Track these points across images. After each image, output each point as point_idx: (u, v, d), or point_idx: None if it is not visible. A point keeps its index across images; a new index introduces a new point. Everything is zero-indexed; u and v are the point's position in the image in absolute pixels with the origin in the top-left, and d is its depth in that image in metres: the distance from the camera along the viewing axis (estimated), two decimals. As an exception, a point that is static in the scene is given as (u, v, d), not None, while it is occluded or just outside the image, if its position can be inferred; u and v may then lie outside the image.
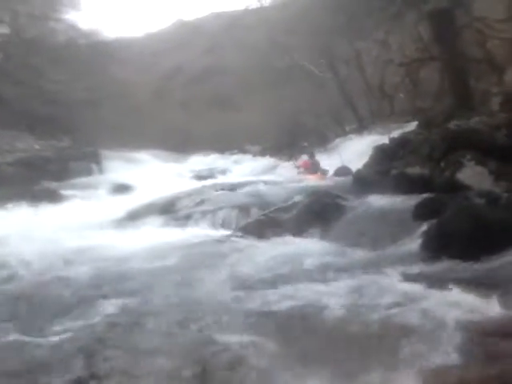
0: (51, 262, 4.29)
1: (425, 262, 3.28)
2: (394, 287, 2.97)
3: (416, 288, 2.83)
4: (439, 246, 3.32)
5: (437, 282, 2.85)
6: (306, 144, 16.84)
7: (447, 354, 2.13)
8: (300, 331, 2.58)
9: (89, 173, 14.12)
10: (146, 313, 2.97)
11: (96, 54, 20.98)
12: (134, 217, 6.73)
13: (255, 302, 2.99)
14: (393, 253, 3.72)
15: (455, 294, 2.60)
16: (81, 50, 20.62)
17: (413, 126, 12.09)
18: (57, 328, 2.80)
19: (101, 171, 14.77)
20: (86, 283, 3.68)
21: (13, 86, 17.38)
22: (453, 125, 5.92)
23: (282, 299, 2.99)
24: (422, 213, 4.48)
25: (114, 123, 21.03)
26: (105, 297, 3.29)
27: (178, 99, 28.22)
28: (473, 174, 4.96)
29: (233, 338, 2.44)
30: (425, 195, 5.45)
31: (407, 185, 6.33)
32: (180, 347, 2.45)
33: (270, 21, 21.80)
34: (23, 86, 17.50)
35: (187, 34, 32.47)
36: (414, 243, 3.75)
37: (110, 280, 3.73)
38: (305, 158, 12.16)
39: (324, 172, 10.79)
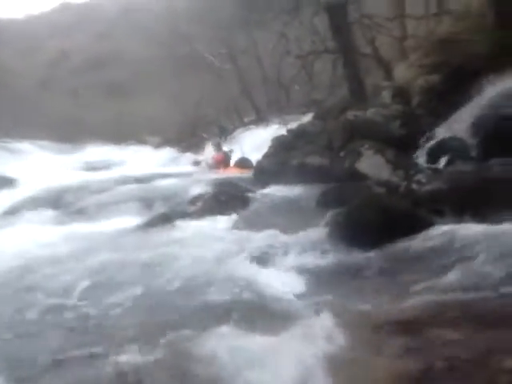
0: None
1: (332, 252, 3.28)
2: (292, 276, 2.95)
3: (316, 278, 2.81)
4: (346, 235, 3.34)
5: (344, 271, 2.86)
6: (205, 135, 16.66)
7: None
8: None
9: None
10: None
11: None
12: (15, 212, 6.06)
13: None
14: (298, 241, 3.69)
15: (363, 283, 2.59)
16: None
17: (309, 117, 12.47)
18: None
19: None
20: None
21: None
22: (351, 115, 6.12)
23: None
24: (325, 201, 4.54)
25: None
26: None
27: (66, 87, 26.44)
28: (371, 164, 5.14)
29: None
30: (326, 184, 5.59)
31: (307, 174, 6.47)
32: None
33: (172, 8, 21.23)
34: None
35: (74, 18, 30.54)
36: (319, 232, 3.75)
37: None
38: (210, 150, 11.55)
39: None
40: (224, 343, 1.98)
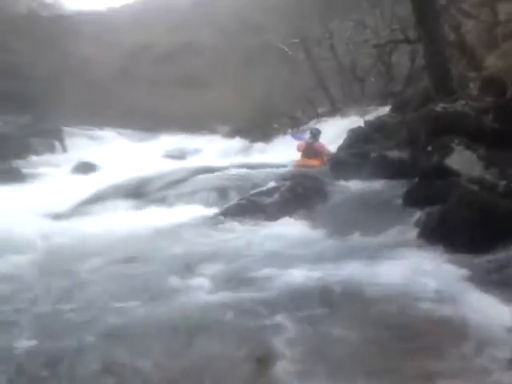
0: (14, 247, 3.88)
1: (425, 254, 3.06)
2: (393, 280, 2.74)
3: (421, 284, 2.60)
4: (440, 236, 3.11)
5: (442, 276, 2.64)
6: (276, 126, 16.57)
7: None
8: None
9: (51, 150, 13.51)
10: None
11: (58, 26, 20.08)
12: (102, 199, 6.30)
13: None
14: (386, 243, 3.49)
15: (468, 292, 2.38)
16: (42, 21, 19.61)
17: (386, 109, 12.01)
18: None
19: (64, 149, 14.13)
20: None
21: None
22: (439, 107, 5.75)
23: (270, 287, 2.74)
24: (412, 199, 4.29)
25: (76, 100, 20.21)
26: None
27: (144, 77, 27.33)
28: (462, 160, 4.79)
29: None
30: (408, 180, 5.30)
31: (387, 169, 6.19)
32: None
33: (244, -1, 21.31)
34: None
35: (153, 11, 31.41)
36: (408, 232, 3.54)
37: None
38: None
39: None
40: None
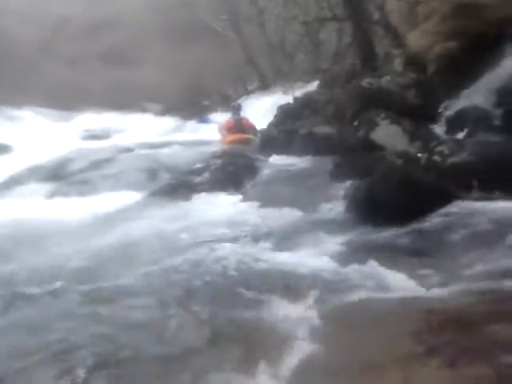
0: None
1: (352, 228, 3.07)
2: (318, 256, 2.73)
3: (341, 257, 2.61)
4: (367, 210, 3.14)
5: (370, 250, 2.65)
6: (206, 103, 16.31)
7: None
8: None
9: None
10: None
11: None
12: (17, 182, 5.86)
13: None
14: (314, 216, 3.49)
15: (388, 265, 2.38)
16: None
17: (314, 85, 12.14)
18: None
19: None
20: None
21: None
22: (365, 83, 5.83)
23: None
24: (340, 173, 4.32)
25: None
26: None
27: (67, 53, 25.77)
28: (387, 134, 4.91)
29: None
30: (336, 155, 5.36)
31: (315, 145, 6.24)
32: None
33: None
34: None
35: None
36: (336, 206, 3.55)
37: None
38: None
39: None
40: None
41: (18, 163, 6.61)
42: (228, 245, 2.90)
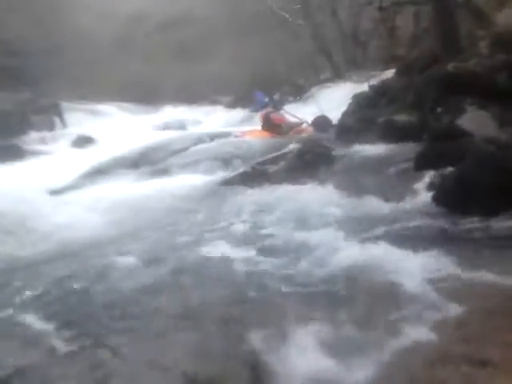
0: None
1: (442, 218, 2.92)
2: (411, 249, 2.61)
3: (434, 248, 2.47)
4: (457, 200, 2.96)
5: (465, 241, 2.51)
6: (277, 94, 16.25)
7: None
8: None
9: (51, 126, 13.29)
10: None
11: (53, 1, 19.57)
12: (103, 171, 6.17)
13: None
14: (399, 206, 3.36)
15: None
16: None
17: (390, 73, 11.72)
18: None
19: (63, 124, 13.93)
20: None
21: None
22: (450, 67, 5.52)
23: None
24: (424, 162, 4.13)
25: (74, 74, 19.83)
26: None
27: (140, 49, 26.77)
28: (475, 120, 4.62)
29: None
30: (417, 143, 5.15)
31: (395, 133, 6.05)
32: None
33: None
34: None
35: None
36: (422, 197, 3.40)
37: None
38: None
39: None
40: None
41: (103, 154, 6.96)
42: (317, 233, 2.85)
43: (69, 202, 4.55)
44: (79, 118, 14.30)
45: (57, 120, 14.05)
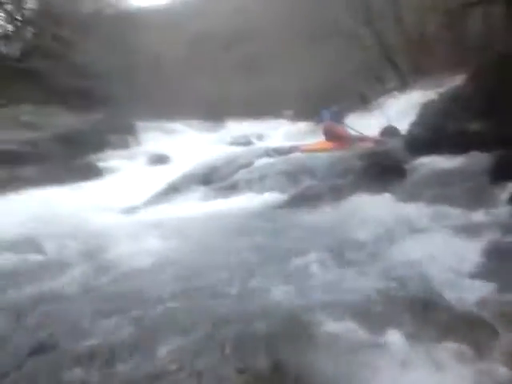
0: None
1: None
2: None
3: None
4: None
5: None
6: (335, 107, 16.06)
7: None
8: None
9: (126, 145, 13.97)
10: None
11: (124, 23, 20.72)
12: (175, 189, 6.41)
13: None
14: (478, 219, 3.24)
15: None
16: (109, 19, 20.32)
17: (460, 79, 11.29)
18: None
19: (138, 143, 14.61)
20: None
21: (43, 60, 17.25)
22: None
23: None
24: (502, 173, 3.96)
25: (146, 93, 20.81)
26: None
27: (207, 66, 27.64)
28: (557, 127, 4.35)
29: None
30: (493, 154, 4.93)
31: (468, 142, 5.82)
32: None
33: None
34: (54, 59, 17.34)
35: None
36: (502, 210, 3.26)
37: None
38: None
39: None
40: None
41: (175, 171, 7.24)
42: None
43: (141, 222, 4.69)
44: (152, 136, 14.94)
45: (131, 139, 14.75)
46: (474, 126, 6.25)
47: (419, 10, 16.20)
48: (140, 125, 15.61)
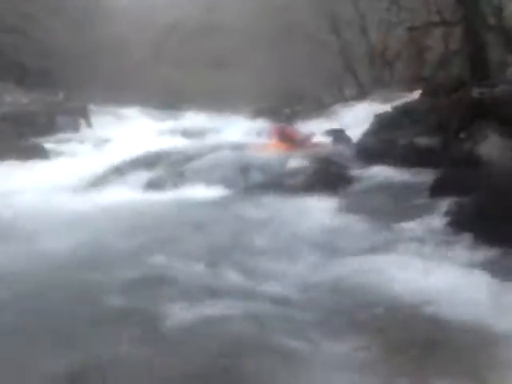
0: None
1: (458, 245, 2.85)
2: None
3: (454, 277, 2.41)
4: (473, 228, 2.89)
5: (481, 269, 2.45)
6: (300, 108, 16.21)
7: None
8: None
9: (76, 128, 13.52)
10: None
11: (93, 7, 20.12)
12: (119, 174, 6.19)
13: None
14: (414, 230, 3.29)
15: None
16: (76, 1, 19.67)
17: (416, 94, 11.60)
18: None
19: (89, 127, 14.17)
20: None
21: (4, 34, 16.44)
22: (476, 92, 5.41)
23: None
24: (441, 188, 4.05)
25: (106, 79, 20.28)
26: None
27: (172, 57, 27.25)
28: (496, 148, 4.51)
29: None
30: (438, 169, 5.05)
31: (416, 156, 5.97)
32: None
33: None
34: (15, 34, 16.56)
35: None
36: (437, 222, 3.32)
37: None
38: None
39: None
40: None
41: (122, 157, 7.01)
42: (314, 255, 2.81)
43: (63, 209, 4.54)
44: (104, 121, 14.53)
45: (83, 122, 14.30)
46: (423, 142, 6.40)
47: (384, 24, 16.55)
48: (95, 109, 15.15)
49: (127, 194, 5.03)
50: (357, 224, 3.49)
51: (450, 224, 3.14)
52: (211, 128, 14.44)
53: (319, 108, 15.08)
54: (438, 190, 4.10)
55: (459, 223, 3.05)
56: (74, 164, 7.90)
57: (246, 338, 2.00)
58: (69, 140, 11.23)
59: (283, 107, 16.29)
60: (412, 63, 16.33)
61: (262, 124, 15.37)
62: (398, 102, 10.21)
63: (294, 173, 5.37)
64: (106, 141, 10.58)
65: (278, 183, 5.06)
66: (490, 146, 4.54)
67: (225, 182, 5.53)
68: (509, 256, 2.62)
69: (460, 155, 4.82)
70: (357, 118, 11.64)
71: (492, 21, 10.62)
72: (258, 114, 17.64)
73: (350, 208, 4.01)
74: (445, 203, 3.72)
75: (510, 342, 1.84)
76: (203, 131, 13.70)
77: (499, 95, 5.07)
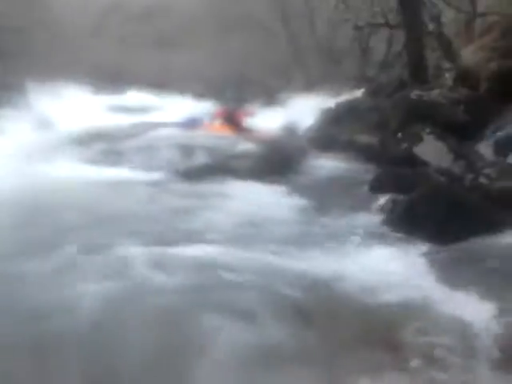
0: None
1: (390, 240, 3.02)
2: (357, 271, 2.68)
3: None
4: (406, 225, 3.06)
5: (408, 264, 2.61)
6: (244, 94, 16.20)
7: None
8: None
9: (13, 105, 12.78)
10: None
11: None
12: (55, 151, 5.93)
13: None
14: (350, 227, 3.43)
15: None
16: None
17: (359, 92, 11.93)
18: None
19: (26, 104, 13.44)
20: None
21: None
22: (413, 95, 5.68)
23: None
24: (379, 185, 4.24)
25: (45, 55, 19.30)
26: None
27: (115, 36, 26.31)
28: (431, 150, 4.78)
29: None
30: (376, 166, 5.26)
31: (355, 153, 6.17)
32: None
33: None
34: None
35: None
36: (372, 218, 3.49)
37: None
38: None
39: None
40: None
41: (57, 133, 6.72)
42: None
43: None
44: (43, 98, 13.84)
45: (20, 99, 13.55)
46: (363, 139, 6.61)
47: (332, 20, 16.83)
48: (32, 85, 14.37)
49: (62, 171, 4.78)
50: (291, 213, 3.58)
51: (384, 220, 3.30)
52: (154, 106, 14.12)
53: (266, 95, 15.16)
54: (376, 186, 4.28)
55: (392, 220, 3.22)
56: (9, 141, 7.50)
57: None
58: (4, 117, 10.65)
59: (230, 91, 16.24)
60: (356, 62, 16.80)
61: (207, 105, 15.25)
62: (343, 99, 10.50)
63: (242, 156, 5.38)
64: (43, 117, 10.10)
65: (222, 166, 5.01)
66: (425, 148, 4.80)
67: (165, 162, 5.43)
68: (433, 253, 2.79)
69: (397, 154, 5.06)
70: (302, 110, 11.83)
71: (431, 27, 11.15)
72: (203, 95, 17.45)
73: (292, 195, 4.09)
74: (382, 199, 3.89)
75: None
76: (145, 109, 13.39)
77: (435, 99, 5.35)
